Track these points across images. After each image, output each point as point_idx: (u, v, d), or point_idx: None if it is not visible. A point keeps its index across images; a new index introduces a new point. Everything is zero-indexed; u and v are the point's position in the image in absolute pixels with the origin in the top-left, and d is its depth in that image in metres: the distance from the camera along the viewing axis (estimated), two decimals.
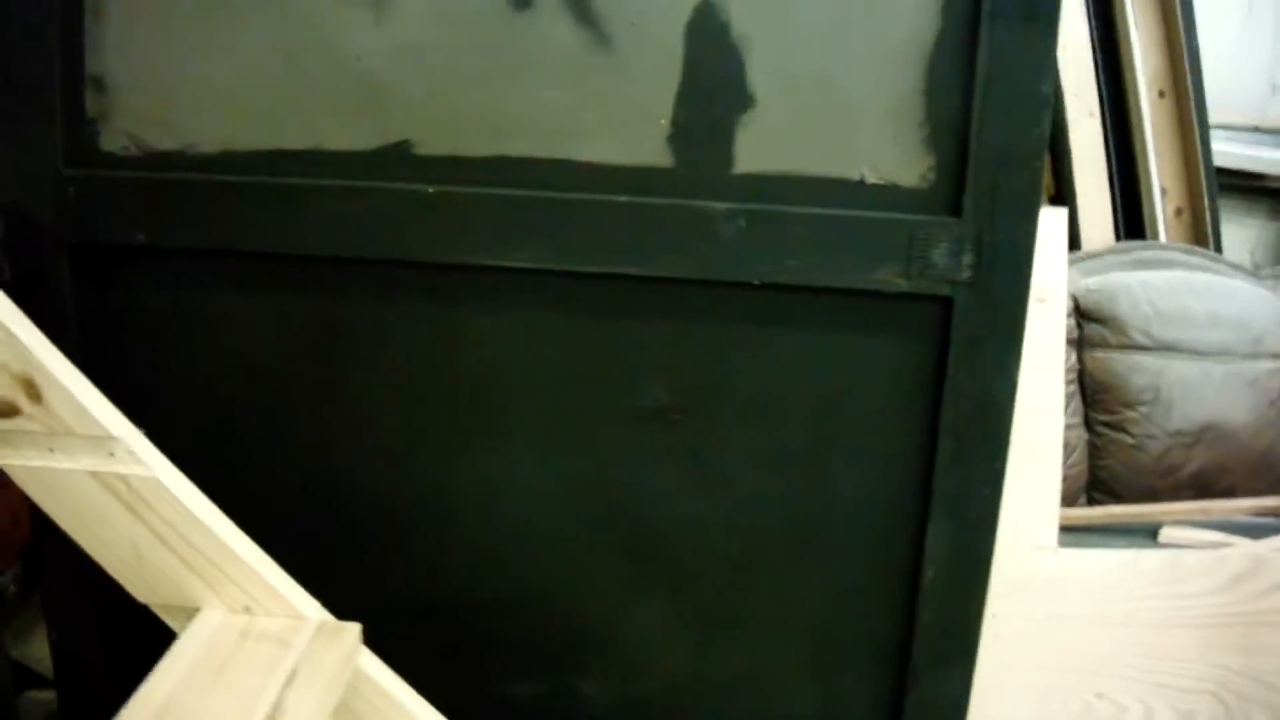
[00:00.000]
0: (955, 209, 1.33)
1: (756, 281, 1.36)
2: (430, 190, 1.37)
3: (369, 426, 1.49)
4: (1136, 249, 2.72)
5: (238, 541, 1.31)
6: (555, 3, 1.32)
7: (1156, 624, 1.88)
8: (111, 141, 1.41)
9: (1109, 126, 2.75)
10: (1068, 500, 2.51)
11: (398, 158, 1.38)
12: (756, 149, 1.34)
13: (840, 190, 1.35)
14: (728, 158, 1.35)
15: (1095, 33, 2.73)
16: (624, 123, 1.35)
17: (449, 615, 1.56)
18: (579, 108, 1.35)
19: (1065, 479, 2.51)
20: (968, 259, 1.34)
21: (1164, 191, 2.77)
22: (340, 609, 1.34)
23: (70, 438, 1.27)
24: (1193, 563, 1.90)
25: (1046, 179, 2.85)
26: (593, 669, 1.57)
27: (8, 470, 1.31)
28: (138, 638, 1.37)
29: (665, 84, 1.33)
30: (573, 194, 1.36)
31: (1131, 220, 2.79)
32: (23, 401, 1.25)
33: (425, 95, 1.36)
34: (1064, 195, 2.74)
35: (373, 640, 1.36)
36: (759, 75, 1.33)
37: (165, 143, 1.40)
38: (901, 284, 1.35)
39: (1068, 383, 2.55)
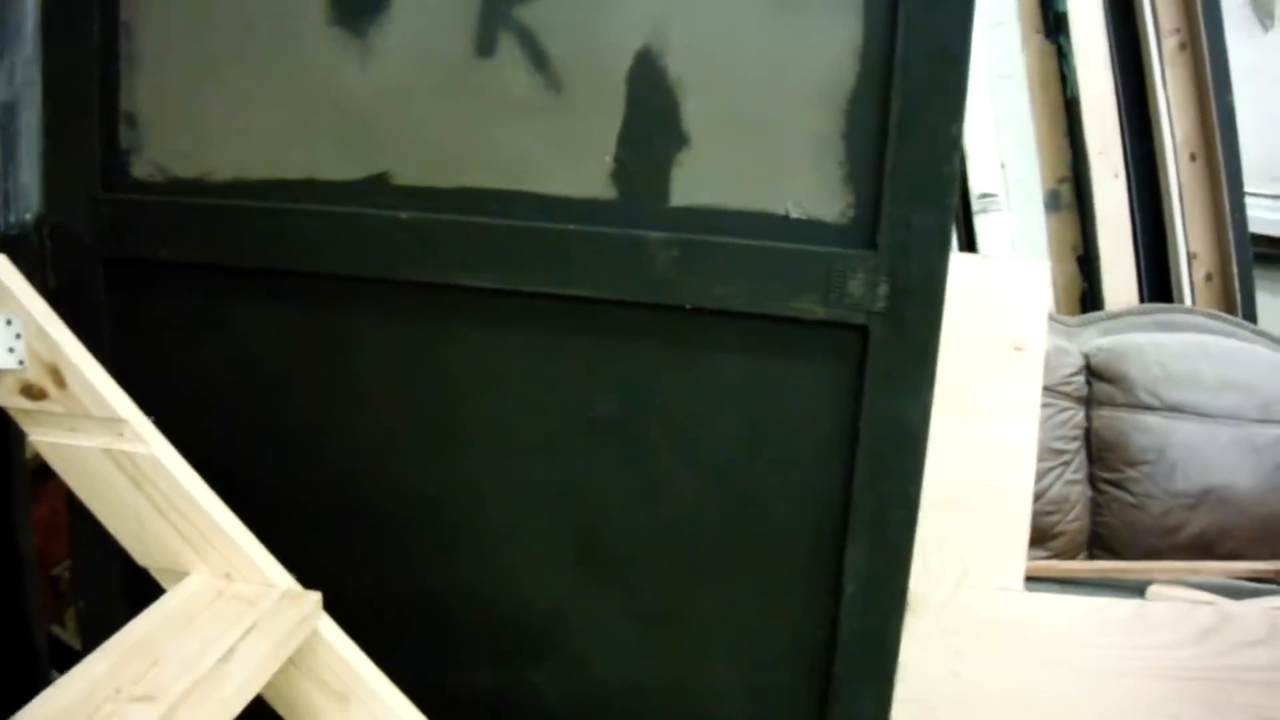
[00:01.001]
0: (872, 243, 1.45)
1: (688, 306, 1.50)
2: (404, 216, 1.55)
3: (350, 424, 1.67)
4: (1158, 311, 2.74)
5: (223, 516, 1.50)
6: (514, 51, 1.50)
7: (1121, 672, 1.91)
8: (141, 169, 1.64)
9: (1137, 187, 2.79)
10: (1068, 556, 2.55)
11: (379, 187, 1.57)
12: (690, 184, 1.49)
13: (766, 223, 1.48)
14: (664, 191, 1.49)
15: (1123, 91, 2.79)
16: (574, 159, 1.51)
17: (414, 602, 1.72)
18: (535, 145, 1.52)
19: (1065, 534, 2.56)
20: (882, 290, 1.45)
21: (1193, 256, 2.78)
22: (316, 587, 1.52)
23: (87, 419, 1.48)
24: (1161, 614, 1.91)
25: (1073, 237, 2.92)
26: (544, 660, 1.70)
27: (37, 445, 1.53)
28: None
29: (610, 124, 1.49)
30: (529, 222, 1.52)
31: (1160, 283, 2.82)
32: (50, 387, 1.47)
33: (403, 132, 1.56)
34: (1089, 255, 2.80)
35: (342, 621, 1.53)
36: (693, 117, 1.47)
37: (186, 171, 1.63)
38: (820, 312, 1.47)
39: (1073, 439, 2.60)
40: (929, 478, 1.65)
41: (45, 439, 1.51)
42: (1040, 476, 2.51)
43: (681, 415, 1.57)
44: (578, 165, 1.51)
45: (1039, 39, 2.90)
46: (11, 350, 1.46)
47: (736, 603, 1.61)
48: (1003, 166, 2.89)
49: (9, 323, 1.46)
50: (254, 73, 1.59)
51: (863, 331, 1.47)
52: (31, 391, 1.48)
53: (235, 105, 1.61)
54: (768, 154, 1.47)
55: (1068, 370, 2.59)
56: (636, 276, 1.51)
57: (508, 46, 1.50)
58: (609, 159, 1.50)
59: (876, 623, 1.57)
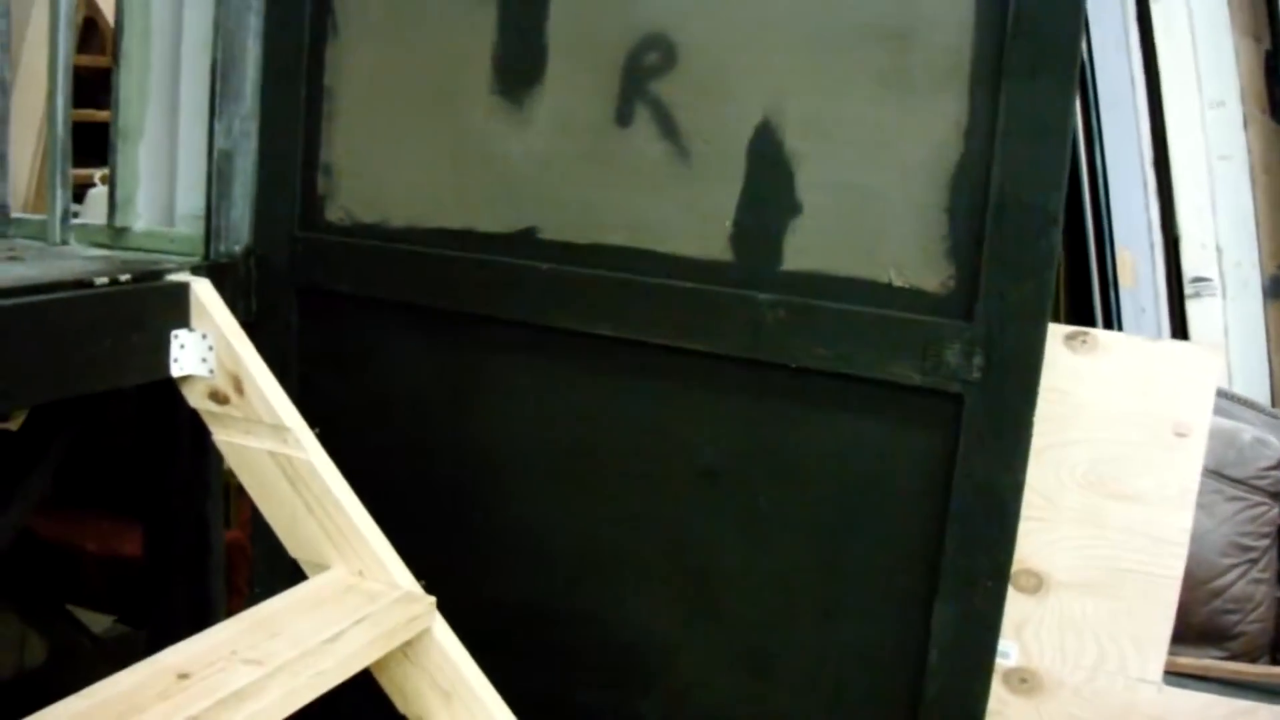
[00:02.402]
0: (969, 314, 1.50)
1: (793, 365, 1.59)
2: (544, 268, 1.72)
3: (486, 452, 1.85)
4: None
5: (363, 521, 1.69)
6: (648, 121, 1.65)
7: None
8: (333, 213, 1.90)
9: None
10: (1247, 659, 2.40)
11: (526, 240, 1.75)
12: (801, 249, 1.58)
13: (869, 290, 1.55)
14: (777, 256, 1.60)
15: None
16: (696, 222, 1.64)
17: (530, 621, 1.86)
18: (662, 208, 1.66)
19: (1245, 635, 2.41)
20: (978, 360, 1.49)
21: None
22: (442, 595, 1.67)
23: (259, 424, 1.70)
24: None
25: None
26: (648, 689, 1.79)
27: (219, 444, 1.76)
28: None
29: (731, 191, 1.61)
30: (653, 279, 1.66)
31: None
32: (232, 394, 1.71)
33: (549, 192, 1.74)
34: None
35: (461, 627, 1.67)
36: (806, 186, 1.58)
37: (368, 217, 1.87)
38: (916, 379, 1.53)
39: (1263, 535, 2.45)
40: (1074, 558, 1.66)
41: (225, 439, 1.75)
42: (1223, 573, 2.40)
43: (782, 469, 1.65)
44: (700, 228, 1.64)
45: (1263, 119, 2.79)
46: (204, 360, 1.71)
47: (829, 652, 1.67)
48: (1219, 250, 2.78)
49: (204, 337, 1.71)
50: (428, 134, 1.82)
51: (958, 400, 1.52)
52: (217, 397, 1.72)
53: (411, 162, 1.84)
54: (874, 224, 1.55)
55: (1266, 464, 2.46)
56: (747, 335, 1.61)
57: (643, 118, 1.66)
58: (728, 223, 1.62)
59: (961, 690, 1.59)
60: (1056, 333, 1.68)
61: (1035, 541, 1.75)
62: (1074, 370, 1.69)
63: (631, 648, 1.80)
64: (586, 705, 1.84)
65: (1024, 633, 1.78)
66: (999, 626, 1.57)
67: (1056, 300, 2.87)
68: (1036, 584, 1.75)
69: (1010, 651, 1.79)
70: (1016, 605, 1.73)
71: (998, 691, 1.76)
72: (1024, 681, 1.78)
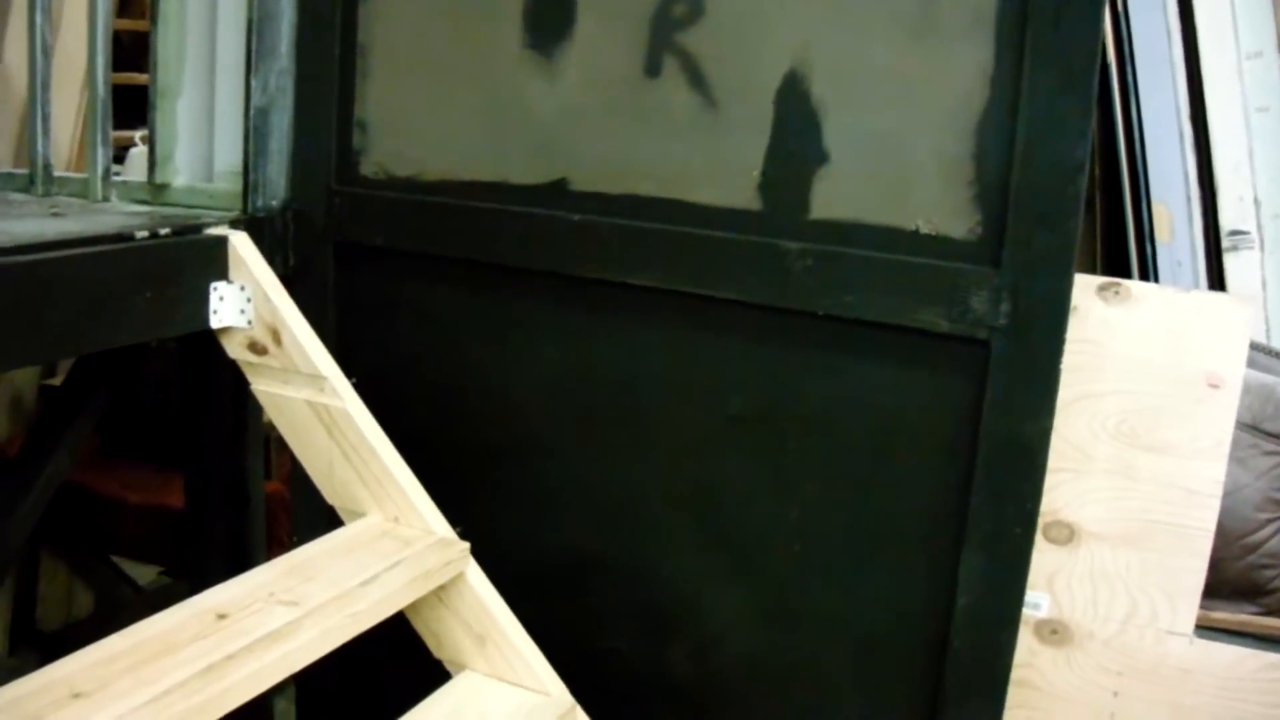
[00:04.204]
0: (996, 261, 1.50)
1: (820, 312, 1.59)
2: (576, 218, 1.74)
3: (517, 399, 1.88)
4: None
5: (398, 468, 1.72)
6: (677, 72, 1.66)
7: None
8: (368, 167, 1.92)
9: None
10: None
11: (557, 191, 1.77)
12: (828, 198, 1.59)
13: (896, 237, 1.56)
14: (804, 204, 1.60)
15: None
16: (725, 171, 1.65)
17: (560, 568, 1.89)
18: (691, 158, 1.67)
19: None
20: (1005, 307, 1.50)
21: None
22: (474, 541, 1.70)
23: (296, 374, 1.74)
24: None
25: None
26: (677, 638, 1.82)
27: (257, 394, 1.80)
28: None
29: (758, 140, 1.62)
30: (682, 228, 1.67)
31: None
32: (270, 344, 1.74)
33: (579, 143, 1.75)
34: None
35: (494, 574, 1.71)
36: (833, 135, 1.58)
37: (402, 171, 1.89)
38: (943, 326, 1.53)
39: None
40: (1106, 509, 1.66)
41: (264, 388, 1.78)
42: (1258, 528, 2.39)
43: (809, 416, 1.66)
44: (728, 177, 1.65)
45: None
46: (242, 312, 1.74)
47: (854, 600, 1.68)
48: (1257, 203, 2.76)
49: (242, 289, 1.74)
50: (460, 88, 1.84)
51: (985, 347, 1.52)
52: (255, 347, 1.76)
53: (444, 116, 1.86)
54: (901, 171, 1.56)
55: None
56: (774, 283, 1.62)
57: (671, 69, 1.67)
58: (756, 173, 1.63)
59: (989, 637, 1.60)
60: (1089, 284, 1.68)
61: (1066, 493, 1.75)
62: (1106, 321, 1.69)
63: (660, 596, 1.82)
64: (616, 652, 1.88)
65: (1055, 584, 1.78)
66: (1026, 576, 1.58)
67: (1092, 254, 2.86)
68: (1067, 535, 1.75)
69: (1041, 603, 1.80)
70: (1047, 556, 1.74)
71: (1028, 642, 1.77)
72: (1054, 633, 1.80)
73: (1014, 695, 1.68)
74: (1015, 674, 1.65)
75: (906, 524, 1.63)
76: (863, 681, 1.70)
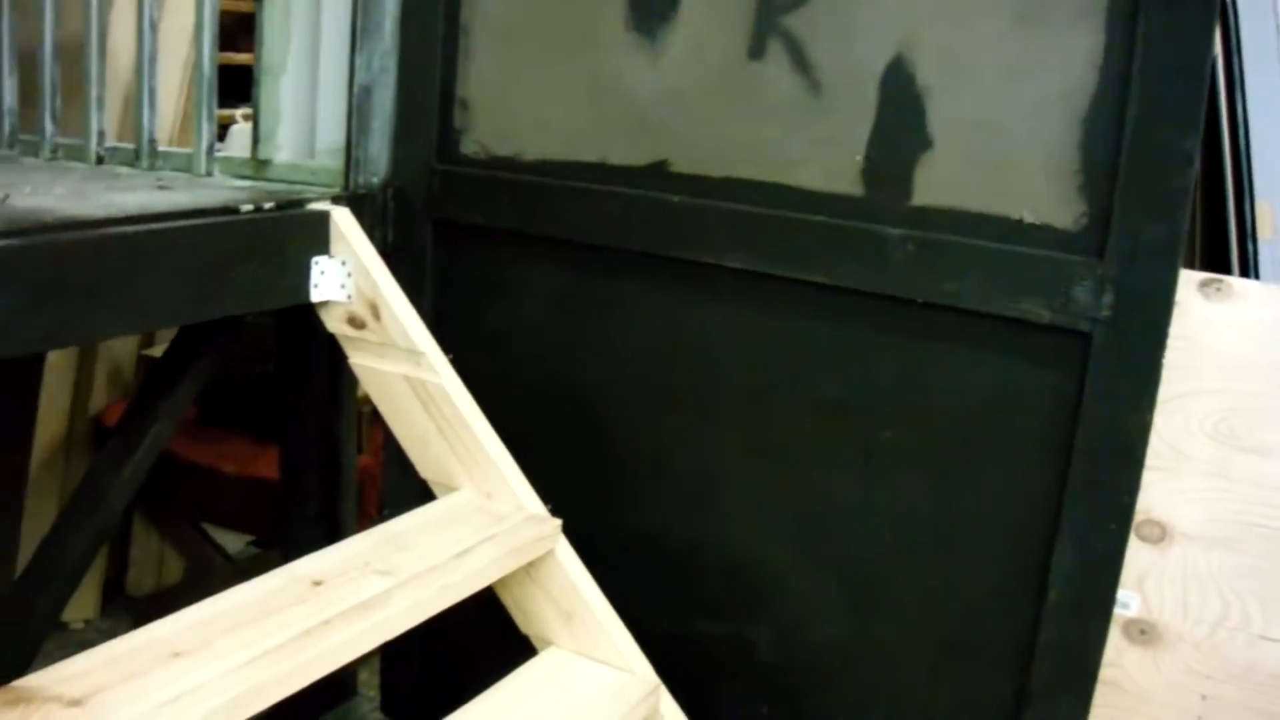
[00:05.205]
0: (1100, 252, 1.48)
1: (920, 300, 1.58)
2: (675, 200, 1.74)
3: (608, 378, 1.90)
4: None
5: (492, 444, 1.74)
6: (780, 55, 1.65)
7: None
8: (468, 146, 1.95)
9: None
10: None
11: (656, 173, 1.78)
12: (931, 184, 1.58)
13: (999, 226, 1.54)
14: (907, 190, 1.59)
15: None
16: (827, 156, 1.64)
17: (649, 548, 1.90)
18: (793, 142, 1.67)
19: None
20: (1108, 299, 1.48)
21: None
22: (565, 518, 1.72)
23: (394, 348, 1.76)
24: None
25: None
26: (762, 621, 1.82)
27: (354, 368, 1.83)
28: None
29: (862, 125, 1.61)
30: (782, 212, 1.67)
31: None
32: (368, 319, 1.77)
33: (681, 125, 1.75)
34: None
35: (583, 551, 1.72)
36: (938, 121, 1.57)
37: (502, 150, 1.91)
38: (1045, 316, 1.51)
39: None
40: (1200, 510, 1.64)
41: (361, 363, 1.81)
42: None
43: (904, 404, 1.65)
44: (830, 162, 1.64)
45: None
46: (343, 286, 1.77)
47: (943, 590, 1.67)
48: None
49: (343, 263, 1.77)
50: (561, 68, 1.85)
51: (1086, 339, 1.50)
52: (354, 322, 1.78)
53: (545, 96, 1.88)
54: (1006, 159, 1.54)
55: None
56: (874, 269, 1.62)
57: (775, 51, 1.66)
58: (859, 157, 1.62)
59: (1078, 633, 1.58)
60: (1190, 279, 1.64)
61: (1160, 492, 1.72)
62: (1207, 318, 1.66)
63: (746, 578, 1.83)
64: (701, 633, 1.88)
65: (1145, 584, 1.76)
66: (1119, 572, 1.56)
67: (1192, 251, 2.80)
68: (1160, 535, 1.73)
69: (1131, 602, 1.78)
70: (1139, 555, 1.71)
71: (1116, 641, 1.75)
72: (1143, 633, 1.77)
73: (1099, 694, 1.65)
74: (1102, 673, 1.63)
75: (999, 515, 1.61)
76: (949, 672, 1.69)
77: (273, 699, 1.32)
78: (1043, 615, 1.58)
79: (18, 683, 1.23)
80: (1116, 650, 1.75)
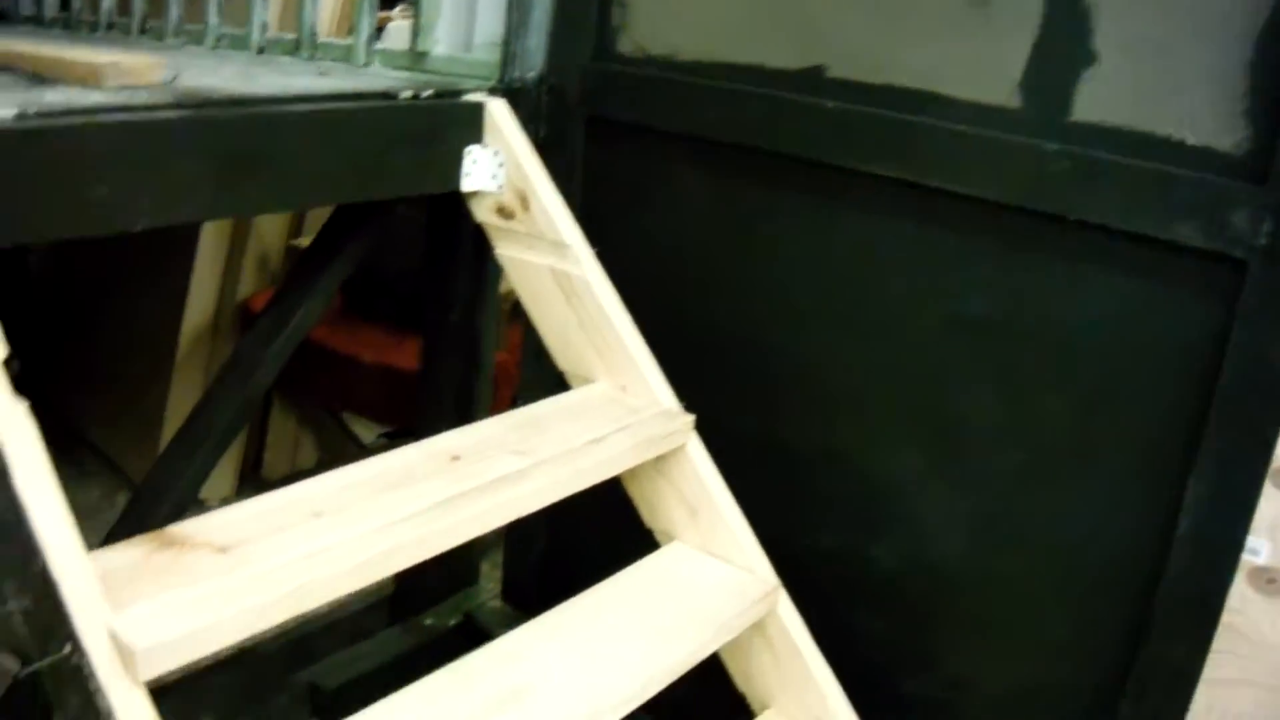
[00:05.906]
0: (1262, 178, 1.43)
1: (1071, 217, 1.56)
2: (830, 105, 1.74)
3: (751, 285, 1.91)
4: None
5: (631, 339, 1.77)
6: None
7: None
8: (624, 45, 1.96)
9: None
10: None
11: (812, 78, 1.77)
12: (1091, 101, 1.54)
13: (1158, 146, 1.50)
14: (1066, 105, 1.56)
15: None
16: (987, 68, 1.61)
17: (777, 457, 1.92)
18: (953, 51, 1.64)
19: None
20: (1266, 226, 1.43)
21: None
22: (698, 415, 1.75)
23: (540, 240, 1.80)
24: None
25: None
26: (884, 536, 1.83)
27: (500, 259, 1.87)
28: None
29: (1024, 38, 1.58)
30: (939, 121, 1.65)
31: None
32: (517, 209, 1.80)
33: (840, 30, 1.74)
34: None
35: (713, 452, 1.75)
36: (1103, 36, 1.52)
37: (659, 50, 1.93)
38: (1199, 241, 1.47)
39: None
40: None
41: (507, 253, 1.85)
42: None
43: (1046, 324, 1.63)
44: (989, 73, 1.62)
45: None
46: (494, 176, 1.81)
47: (1071, 516, 1.66)
48: None
49: (496, 153, 1.80)
50: None
51: (1241, 267, 1.46)
52: (503, 211, 1.82)
53: None
54: (1169, 79, 1.49)
55: None
56: (1028, 184, 1.59)
57: None
58: (1019, 70, 1.59)
59: (1204, 568, 1.55)
60: None
61: None
62: None
63: (873, 492, 1.83)
64: (822, 546, 1.90)
65: (1277, 532, 1.72)
66: (1253, 510, 1.52)
67: None
68: None
69: (1260, 549, 1.74)
70: (1272, 503, 1.68)
71: (1241, 589, 1.72)
72: (1271, 582, 1.73)
73: (1219, 640, 1.63)
74: (1224, 618, 1.61)
75: (1135, 443, 1.58)
76: (1070, 600, 1.68)
77: (408, 561, 1.37)
78: (1170, 550, 1.56)
79: (171, 527, 1.30)
80: (1241, 597, 1.72)
